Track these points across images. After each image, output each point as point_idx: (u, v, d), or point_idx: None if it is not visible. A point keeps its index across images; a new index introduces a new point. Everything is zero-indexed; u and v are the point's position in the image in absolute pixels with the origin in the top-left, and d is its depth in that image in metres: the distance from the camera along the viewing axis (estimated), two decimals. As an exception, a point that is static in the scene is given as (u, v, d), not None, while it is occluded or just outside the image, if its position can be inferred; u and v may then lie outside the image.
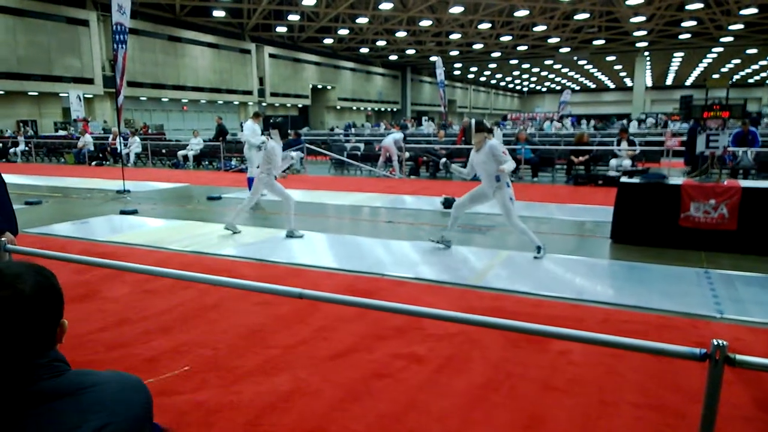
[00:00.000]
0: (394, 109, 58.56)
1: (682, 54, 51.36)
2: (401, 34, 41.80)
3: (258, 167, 8.17)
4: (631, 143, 13.39)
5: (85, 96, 26.99)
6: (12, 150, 22.05)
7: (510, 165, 6.16)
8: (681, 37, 41.12)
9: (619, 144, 13.47)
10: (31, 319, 1.10)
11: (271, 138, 7.80)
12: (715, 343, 1.53)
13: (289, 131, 19.20)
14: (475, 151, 6.44)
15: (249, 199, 7.92)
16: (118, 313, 4.62)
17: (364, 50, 48.22)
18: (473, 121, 6.59)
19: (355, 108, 53.11)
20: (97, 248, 7.00)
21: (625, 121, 35.66)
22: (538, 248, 6.33)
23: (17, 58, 26.13)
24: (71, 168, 19.15)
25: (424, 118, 44.90)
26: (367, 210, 10.16)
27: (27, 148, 22.37)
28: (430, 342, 3.96)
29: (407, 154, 15.93)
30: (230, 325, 4.33)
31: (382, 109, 56.95)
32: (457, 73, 64.15)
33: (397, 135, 16.05)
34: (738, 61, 54.90)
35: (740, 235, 6.48)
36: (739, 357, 1.53)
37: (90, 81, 29.36)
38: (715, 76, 62.98)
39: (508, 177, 6.31)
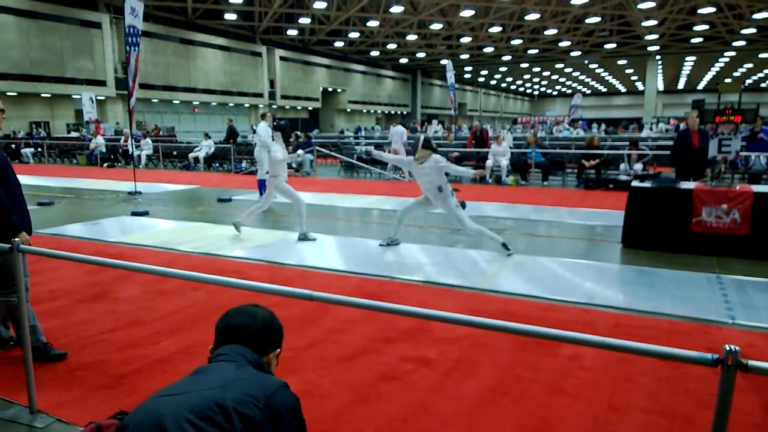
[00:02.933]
0: (404, 112, 58.56)
1: (694, 58, 51.06)
2: (412, 37, 41.83)
3: (267, 171, 8.22)
4: (641, 155, 13.29)
5: (98, 98, 27.18)
6: (24, 151, 22.29)
7: (467, 172, 6.86)
8: (693, 41, 40.89)
9: (629, 156, 13.37)
10: (255, 337, 1.77)
11: (274, 140, 7.84)
12: (728, 348, 1.51)
13: (299, 133, 19.33)
14: (417, 164, 6.65)
15: (263, 202, 7.93)
16: (129, 314, 4.65)
17: (375, 53, 48.32)
18: (422, 137, 7.04)
19: (365, 111, 53.21)
20: (109, 249, 7.05)
21: (634, 126, 35.38)
22: (504, 245, 6.53)
23: (30, 60, 26.40)
24: (83, 169, 19.31)
25: (434, 121, 44.81)
26: (376, 213, 10.17)
27: (36, 151, 22.65)
28: (439, 345, 3.96)
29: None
30: (240, 326, 4.34)
31: (392, 112, 56.98)
32: (467, 76, 64.10)
33: (401, 128, 16.69)
34: (750, 65, 54.53)
35: (752, 240, 6.44)
36: (751, 363, 1.51)
37: (102, 83, 29.61)
38: (728, 80, 62.46)
39: (449, 186, 6.68)
